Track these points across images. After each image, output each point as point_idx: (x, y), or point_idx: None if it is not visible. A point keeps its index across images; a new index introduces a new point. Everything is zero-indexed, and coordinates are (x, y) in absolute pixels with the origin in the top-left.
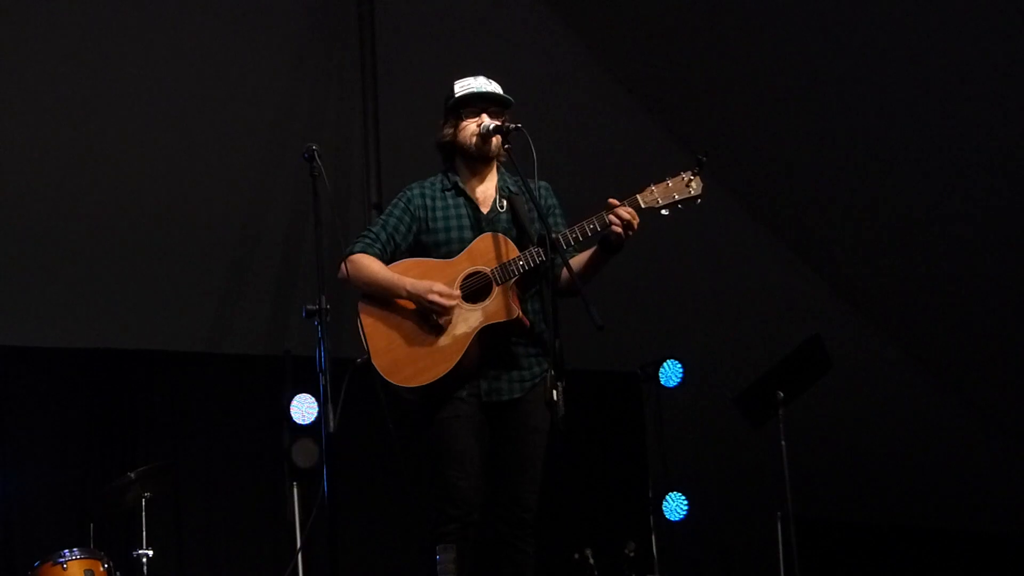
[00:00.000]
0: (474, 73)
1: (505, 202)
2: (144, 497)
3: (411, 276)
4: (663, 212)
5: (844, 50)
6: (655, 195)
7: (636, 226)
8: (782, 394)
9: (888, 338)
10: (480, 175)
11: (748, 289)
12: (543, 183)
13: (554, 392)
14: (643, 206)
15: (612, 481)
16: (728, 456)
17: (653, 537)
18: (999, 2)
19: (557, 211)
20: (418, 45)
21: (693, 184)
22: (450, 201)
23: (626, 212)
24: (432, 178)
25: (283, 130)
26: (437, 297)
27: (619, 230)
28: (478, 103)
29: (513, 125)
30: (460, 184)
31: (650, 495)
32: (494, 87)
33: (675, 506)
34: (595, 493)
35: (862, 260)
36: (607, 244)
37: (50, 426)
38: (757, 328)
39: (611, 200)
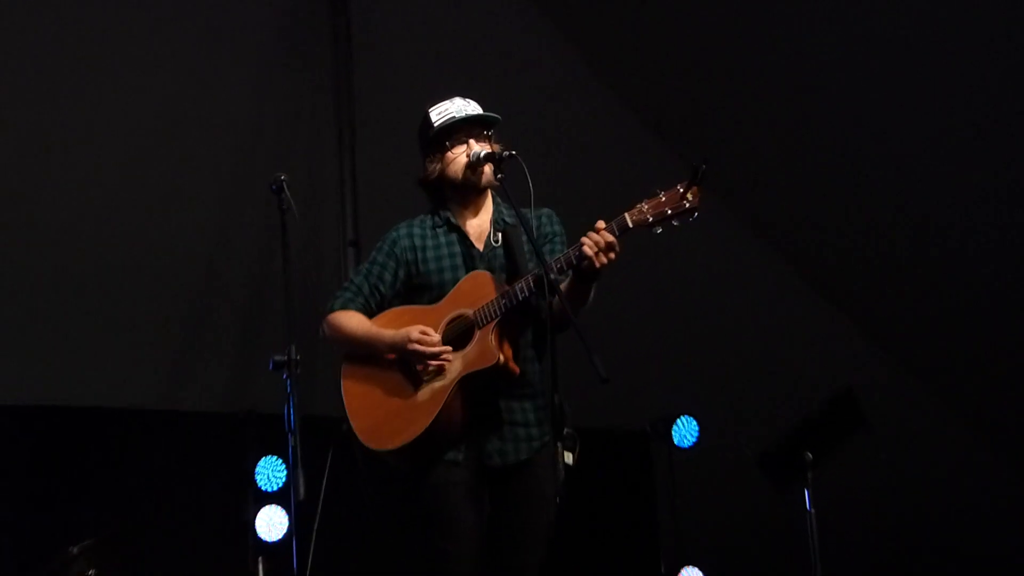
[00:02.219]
0: (451, 93)
1: (500, 235)
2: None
3: (396, 326)
4: (656, 230)
5: (874, 73)
6: (645, 213)
7: (616, 250)
8: (811, 455)
9: (929, 389)
10: (474, 207)
11: (771, 337)
12: (545, 210)
13: (568, 455)
14: (631, 225)
15: (620, 553)
16: (749, 525)
17: None
18: (999, 8)
19: (558, 239)
20: (398, 63)
21: (689, 195)
22: (442, 239)
23: (600, 236)
24: (422, 216)
25: (248, 160)
26: (417, 345)
27: (590, 252)
28: (461, 129)
29: (506, 152)
30: (452, 219)
31: (662, 569)
32: (472, 107)
33: None
34: (601, 566)
35: (896, 301)
36: (580, 272)
37: None
38: (782, 380)
39: (599, 223)
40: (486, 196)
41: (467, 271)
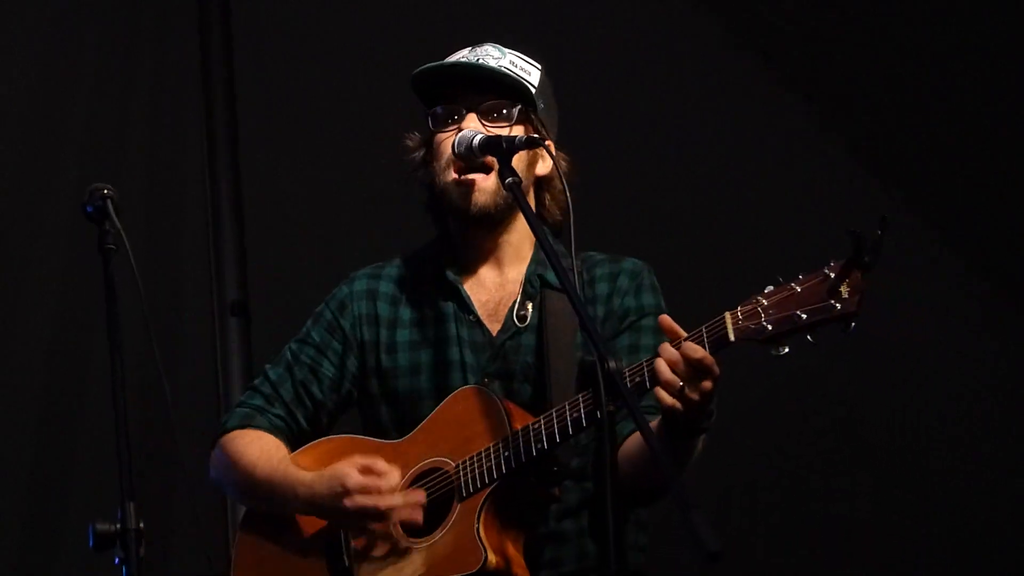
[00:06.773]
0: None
1: (530, 307)
2: None
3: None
4: (780, 350)
5: None
6: (760, 315)
7: (713, 374)
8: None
9: None
10: (487, 250)
11: None
12: (629, 262)
13: None
14: (733, 337)
15: None
16: None
17: None
18: None
19: (649, 326)
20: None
21: (843, 289)
22: (427, 308)
23: (679, 356)
24: (405, 257)
25: (42, 160)
26: (362, 498)
27: (668, 397)
28: (444, 93)
29: (523, 136)
30: (451, 275)
31: None
32: (506, 59)
33: None
34: None
35: None
36: (669, 419)
37: None
38: None
39: (665, 321)
40: (511, 228)
41: (462, 377)
